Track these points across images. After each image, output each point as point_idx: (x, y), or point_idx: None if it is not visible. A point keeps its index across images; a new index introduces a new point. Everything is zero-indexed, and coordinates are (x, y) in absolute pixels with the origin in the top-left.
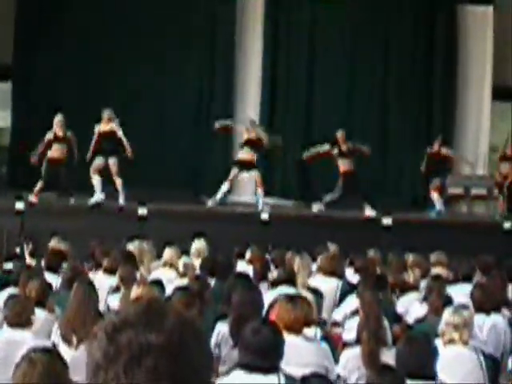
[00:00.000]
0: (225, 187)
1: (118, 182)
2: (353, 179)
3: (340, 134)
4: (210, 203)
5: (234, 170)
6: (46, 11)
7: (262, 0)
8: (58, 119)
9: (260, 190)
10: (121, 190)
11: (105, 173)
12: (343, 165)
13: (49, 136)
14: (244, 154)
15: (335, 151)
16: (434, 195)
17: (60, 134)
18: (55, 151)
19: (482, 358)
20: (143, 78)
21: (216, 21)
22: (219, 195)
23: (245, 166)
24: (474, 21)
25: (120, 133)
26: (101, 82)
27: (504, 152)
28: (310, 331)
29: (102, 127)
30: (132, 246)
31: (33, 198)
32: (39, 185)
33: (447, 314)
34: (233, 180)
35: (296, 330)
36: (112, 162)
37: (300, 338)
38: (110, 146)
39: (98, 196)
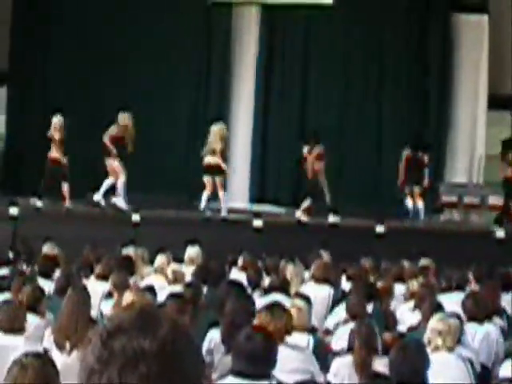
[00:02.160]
0: (205, 195)
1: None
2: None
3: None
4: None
5: (207, 177)
6: (41, 16)
7: (257, 9)
8: (56, 121)
9: (222, 194)
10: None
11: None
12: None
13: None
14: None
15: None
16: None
17: (57, 137)
18: (53, 152)
19: (468, 365)
20: (140, 86)
21: (211, 31)
22: (203, 204)
23: (212, 170)
24: (468, 30)
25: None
26: (96, 89)
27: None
28: (302, 339)
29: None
30: (126, 252)
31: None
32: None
33: (433, 321)
34: (209, 186)
35: (277, 339)
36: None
37: (283, 345)
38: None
39: (100, 197)
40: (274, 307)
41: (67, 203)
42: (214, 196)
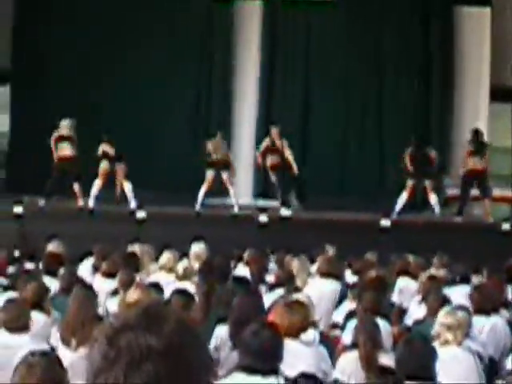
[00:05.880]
0: (203, 190)
1: (127, 187)
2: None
3: (274, 130)
4: (196, 208)
5: (210, 172)
6: (44, 14)
7: (259, 4)
8: (65, 123)
9: (232, 190)
10: (130, 194)
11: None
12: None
13: (54, 136)
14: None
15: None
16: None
17: (64, 133)
18: (62, 150)
19: (477, 359)
20: (141, 83)
21: (213, 27)
22: (200, 199)
23: (219, 166)
24: (471, 22)
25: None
26: (98, 89)
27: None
28: (308, 334)
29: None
30: (132, 250)
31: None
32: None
33: (441, 315)
34: (210, 182)
35: (293, 334)
36: (120, 167)
37: (297, 342)
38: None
39: (91, 203)
40: (291, 302)
41: (80, 202)
42: (212, 191)
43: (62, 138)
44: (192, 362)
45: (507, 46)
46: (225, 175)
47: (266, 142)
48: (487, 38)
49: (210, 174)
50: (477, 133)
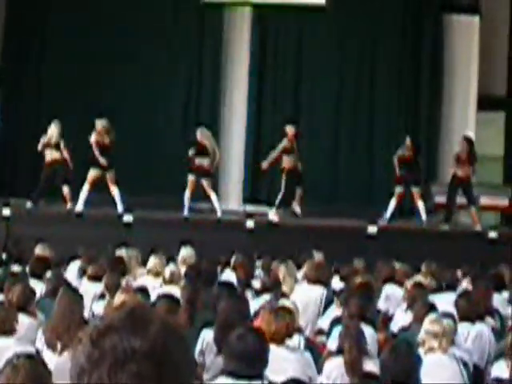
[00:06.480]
0: (187, 195)
1: (115, 191)
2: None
3: (290, 130)
4: (184, 213)
5: (191, 177)
6: (35, 17)
7: (249, 9)
8: (53, 128)
9: (213, 196)
10: (118, 199)
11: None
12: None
13: (42, 141)
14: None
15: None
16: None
17: (53, 141)
18: (49, 155)
19: (461, 366)
20: (131, 87)
21: (203, 31)
22: (186, 204)
23: (198, 173)
24: (459, 30)
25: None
26: (88, 90)
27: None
28: (293, 340)
29: (98, 138)
30: (119, 253)
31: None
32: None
33: (427, 323)
34: (192, 186)
35: (278, 340)
36: (110, 174)
37: (283, 347)
38: (108, 158)
39: (80, 206)
40: (277, 308)
41: (69, 205)
42: (196, 196)
43: (50, 145)
44: (176, 365)
45: (496, 54)
46: (204, 183)
47: (283, 144)
48: (476, 47)
49: (190, 178)
50: (469, 141)
